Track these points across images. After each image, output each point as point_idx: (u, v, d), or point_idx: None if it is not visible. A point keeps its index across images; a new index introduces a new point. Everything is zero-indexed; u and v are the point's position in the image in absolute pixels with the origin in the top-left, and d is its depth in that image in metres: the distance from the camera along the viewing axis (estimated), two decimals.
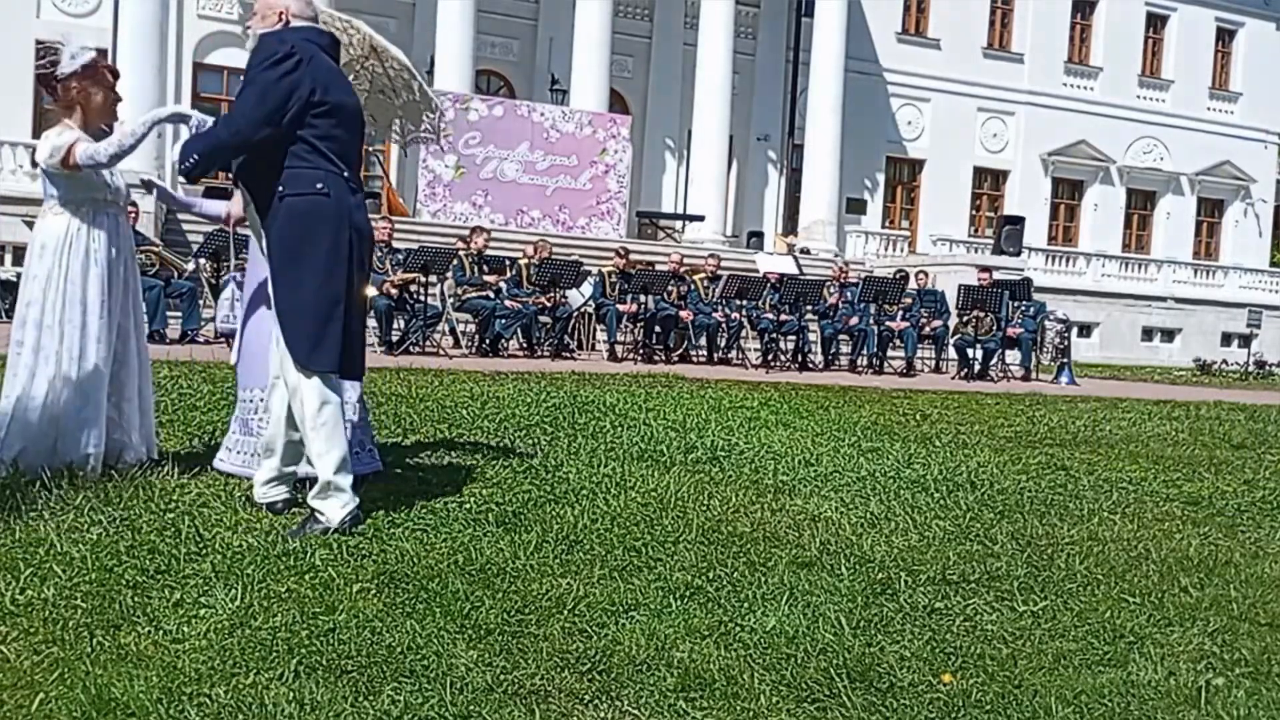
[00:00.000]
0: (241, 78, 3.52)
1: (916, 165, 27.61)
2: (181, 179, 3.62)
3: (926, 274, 15.79)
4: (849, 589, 3.07)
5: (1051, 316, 15.19)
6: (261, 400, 4.05)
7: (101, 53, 4.09)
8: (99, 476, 3.90)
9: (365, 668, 2.29)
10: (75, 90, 3.97)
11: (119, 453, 4.13)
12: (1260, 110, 30.24)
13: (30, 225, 17.81)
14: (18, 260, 17.06)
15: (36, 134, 19.94)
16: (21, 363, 3.94)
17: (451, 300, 12.78)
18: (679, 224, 22.84)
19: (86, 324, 3.94)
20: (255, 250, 4.14)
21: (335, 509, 3.38)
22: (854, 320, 14.57)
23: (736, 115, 23.47)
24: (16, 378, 3.94)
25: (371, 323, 10.74)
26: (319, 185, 3.43)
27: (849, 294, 15.01)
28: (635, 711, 2.18)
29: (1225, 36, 30.31)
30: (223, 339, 5.13)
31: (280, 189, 3.40)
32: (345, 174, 3.50)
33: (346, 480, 3.44)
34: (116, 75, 4.18)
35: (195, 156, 3.40)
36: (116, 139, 3.86)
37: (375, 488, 4.01)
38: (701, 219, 22.06)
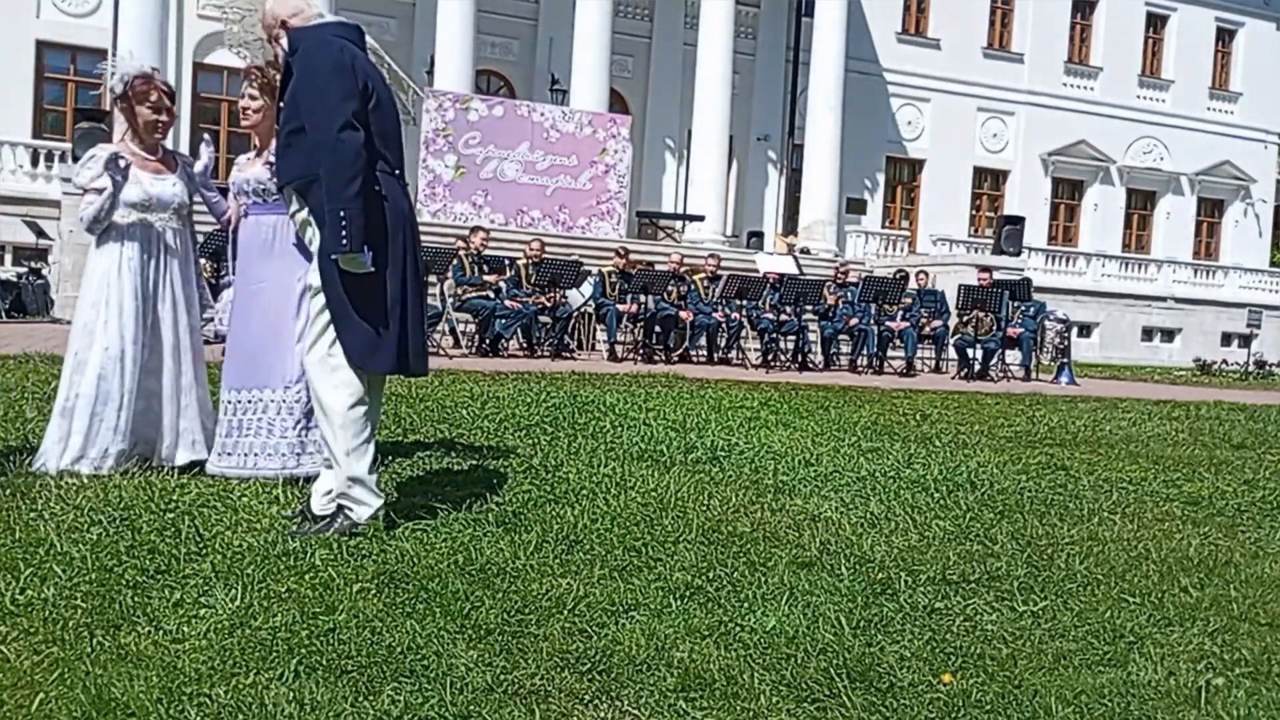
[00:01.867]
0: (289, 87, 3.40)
1: (916, 165, 27.61)
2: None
3: (927, 274, 15.79)
4: (849, 589, 3.07)
5: (1051, 316, 15.19)
6: (249, 401, 4.06)
7: (144, 75, 4.19)
8: (111, 473, 3.98)
9: (365, 668, 2.29)
10: (123, 109, 4.17)
11: (150, 451, 4.19)
12: (1260, 110, 30.26)
13: (30, 225, 17.82)
14: (18, 260, 17.08)
15: (37, 134, 19.96)
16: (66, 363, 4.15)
17: (451, 300, 12.78)
18: (679, 224, 22.84)
19: (124, 326, 4.07)
20: (252, 254, 4.13)
21: (361, 507, 3.39)
22: (854, 320, 14.58)
23: (736, 115, 23.46)
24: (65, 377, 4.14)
25: None
26: (375, 188, 3.39)
27: (849, 294, 15.01)
28: (635, 711, 2.18)
29: (1225, 36, 30.32)
30: (221, 340, 5.14)
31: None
32: (396, 171, 3.49)
33: (374, 478, 3.44)
34: (170, 94, 4.28)
35: (350, 207, 3.23)
36: (88, 210, 4.08)
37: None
38: (701, 219, 22.05)
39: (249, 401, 4.07)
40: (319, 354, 3.42)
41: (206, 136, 4.43)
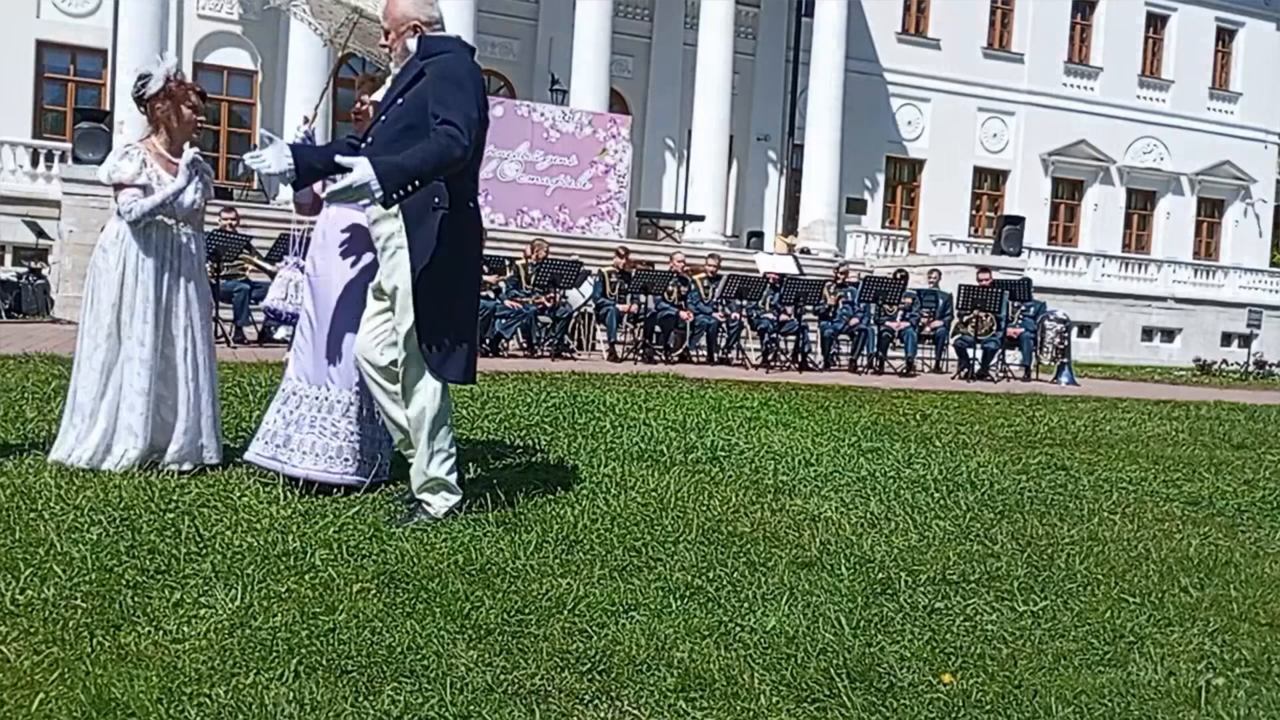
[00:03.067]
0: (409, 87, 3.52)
1: (916, 165, 27.62)
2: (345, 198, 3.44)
3: (939, 272, 15.80)
4: (849, 589, 3.07)
5: (1051, 316, 15.19)
6: (325, 399, 3.99)
7: (182, 82, 4.27)
8: (111, 473, 3.98)
9: (365, 668, 2.29)
10: (159, 110, 4.21)
11: (160, 456, 4.19)
12: (1260, 110, 30.25)
13: (30, 225, 17.85)
14: (18, 260, 17.08)
15: (37, 134, 19.96)
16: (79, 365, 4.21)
17: None
18: (679, 224, 22.85)
19: (144, 331, 4.10)
20: (328, 247, 4.05)
21: (442, 503, 3.59)
22: (854, 320, 14.58)
23: (736, 115, 23.47)
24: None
25: None
26: (470, 204, 3.57)
27: (849, 294, 15.01)
28: (635, 711, 2.18)
29: (1225, 36, 30.32)
30: (273, 317, 5.12)
31: (437, 201, 3.46)
32: (477, 192, 3.67)
33: (454, 477, 3.66)
34: (203, 95, 4.34)
35: (415, 183, 3.30)
36: (148, 203, 4.09)
37: (375, 488, 4.01)
38: (701, 219, 22.06)
39: (314, 398, 3.98)
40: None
41: (307, 116, 4.37)
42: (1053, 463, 5.93)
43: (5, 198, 17.43)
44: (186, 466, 4.16)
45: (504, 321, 12.82)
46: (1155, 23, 29.57)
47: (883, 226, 26.40)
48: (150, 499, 3.63)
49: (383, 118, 3.59)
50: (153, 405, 4.13)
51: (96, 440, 4.09)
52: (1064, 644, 2.73)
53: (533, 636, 2.53)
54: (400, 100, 3.52)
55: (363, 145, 3.68)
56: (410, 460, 3.68)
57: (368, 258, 3.96)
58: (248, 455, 4.08)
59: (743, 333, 14.40)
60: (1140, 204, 29.98)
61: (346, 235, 4.03)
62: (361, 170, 3.21)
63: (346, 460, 3.97)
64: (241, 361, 8.75)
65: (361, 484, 3.96)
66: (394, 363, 3.61)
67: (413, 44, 3.58)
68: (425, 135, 3.39)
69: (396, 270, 3.53)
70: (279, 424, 4.00)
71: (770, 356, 13.87)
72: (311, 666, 2.27)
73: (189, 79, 4.32)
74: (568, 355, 13.20)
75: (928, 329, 14.83)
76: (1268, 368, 21.26)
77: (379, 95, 3.78)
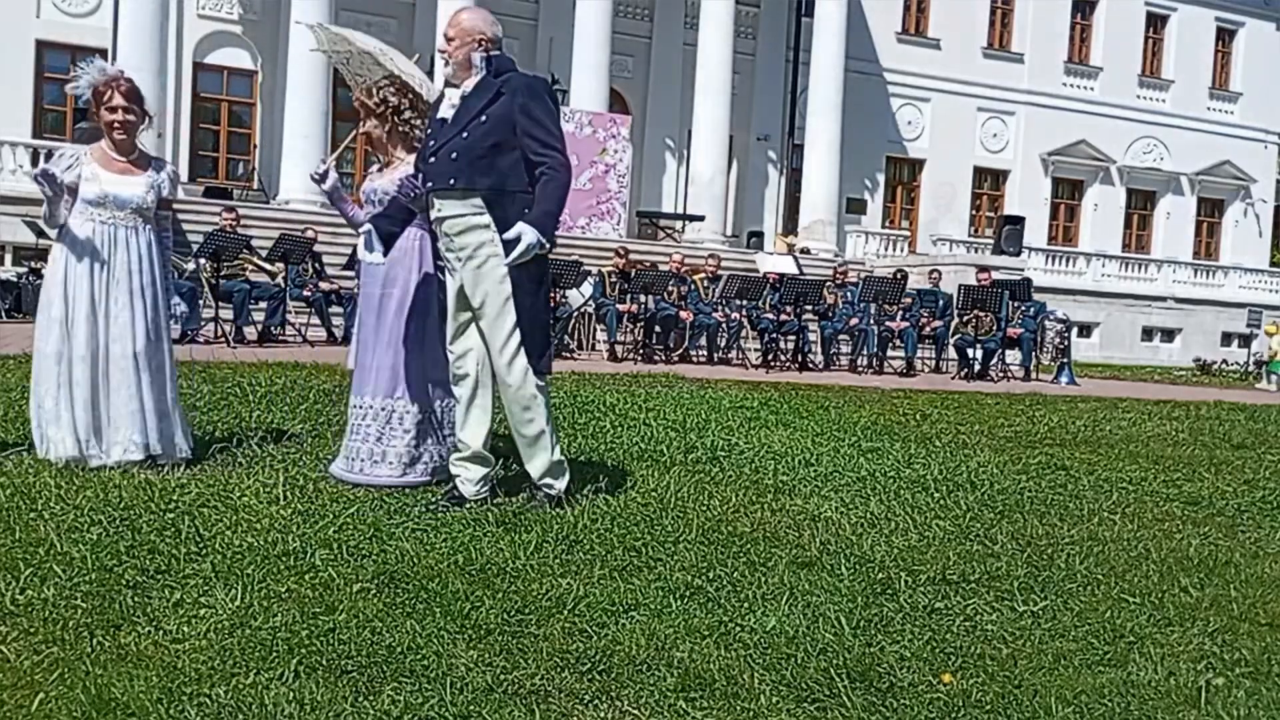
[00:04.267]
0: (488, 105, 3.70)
1: (916, 165, 27.61)
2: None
3: (940, 272, 15.78)
4: (849, 589, 3.07)
5: (1051, 316, 15.18)
6: (354, 407, 4.16)
7: (107, 82, 4.27)
8: (111, 473, 4.01)
9: (365, 668, 2.29)
10: (92, 113, 4.33)
11: (104, 450, 4.21)
12: (1260, 110, 30.24)
13: (30, 225, 17.83)
14: (18, 260, 17.08)
15: (37, 134, 19.95)
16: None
17: None
18: (679, 224, 22.84)
19: (75, 324, 4.18)
20: (396, 267, 4.13)
21: (562, 480, 3.90)
22: (854, 320, 14.58)
23: (736, 115, 23.45)
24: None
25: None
26: None
27: (849, 294, 15.01)
28: (635, 711, 2.18)
29: (1225, 36, 30.31)
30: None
31: (526, 211, 3.68)
32: None
33: (560, 452, 3.92)
34: (127, 94, 4.26)
35: (555, 227, 3.70)
36: (43, 209, 4.24)
37: (375, 487, 4.01)
38: (701, 219, 22.05)
39: (355, 407, 4.18)
40: (524, 360, 3.76)
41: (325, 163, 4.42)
42: (1053, 463, 5.93)
43: (5, 198, 17.42)
44: (112, 458, 4.18)
45: None
46: (1155, 23, 29.56)
47: (883, 226, 26.40)
48: (150, 499, 3.63)
49: (464, 134, 3.68)
50: (92, 399, 4.18)
51: (66, 434, 4.16)
52: (1064, 644, 2.73)
53: (533, 636, 2.53)
54: (484, 118, 3.67)
55: (431, 160, 3.78)
56: (459, 465, 3.91)
57: (398, 270, 4.11)
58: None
59: (743, 333, 14.40)
60: (1140, 204, 29.97)
61: (392, 259, 4.11)
62: (531, 235, 3.59)
63: (364, 460, 4.14)
64: (241, 361, 8.75)
65: (406, 485, 4.10)
66: (525, 362, 3.78)
67: (478, 58, 3.74)
68: (511, 150, 3.67)
69: (489, 278, 3.71)
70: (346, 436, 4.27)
71: (770, 356, 13.87)
72: (311, 666, 2.27)
73: (120, 77, 4.27)
74: (568, 355, 13.19)
75: (928, 329, 14.82)
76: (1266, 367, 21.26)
77: (444, 112, 3.81)
